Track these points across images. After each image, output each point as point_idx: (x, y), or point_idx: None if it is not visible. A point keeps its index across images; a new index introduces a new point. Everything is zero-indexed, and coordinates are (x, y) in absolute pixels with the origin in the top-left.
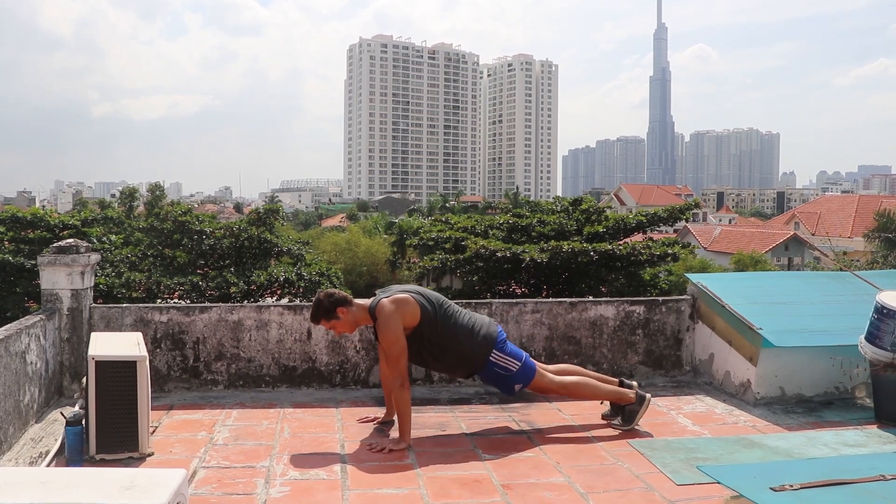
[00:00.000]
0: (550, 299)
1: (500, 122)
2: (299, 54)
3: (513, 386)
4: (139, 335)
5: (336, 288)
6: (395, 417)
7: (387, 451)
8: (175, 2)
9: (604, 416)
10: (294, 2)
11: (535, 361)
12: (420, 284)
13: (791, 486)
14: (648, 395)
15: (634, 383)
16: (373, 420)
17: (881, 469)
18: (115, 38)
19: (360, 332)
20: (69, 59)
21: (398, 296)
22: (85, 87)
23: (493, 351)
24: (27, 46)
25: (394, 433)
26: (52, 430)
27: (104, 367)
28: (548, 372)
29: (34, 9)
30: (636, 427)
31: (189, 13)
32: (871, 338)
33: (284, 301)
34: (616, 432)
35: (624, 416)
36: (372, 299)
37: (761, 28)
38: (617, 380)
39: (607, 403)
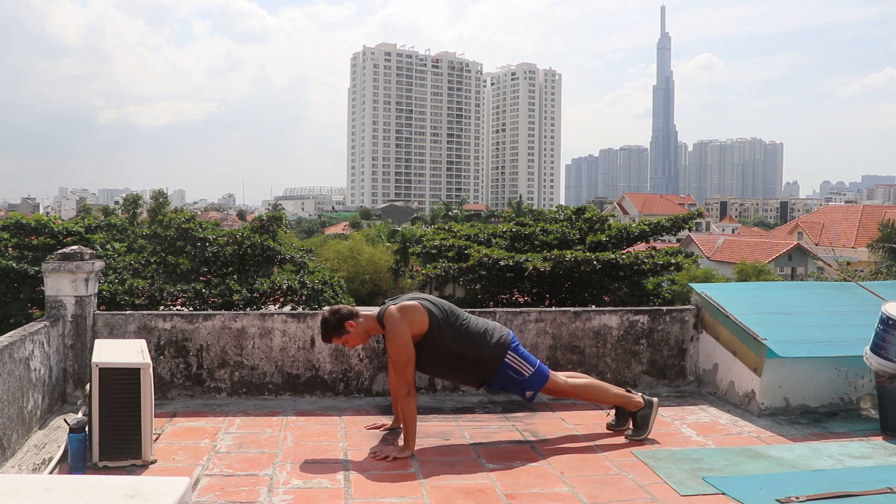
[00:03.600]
0: (554, 308)
1: (504, 130)
2: (306, 62)
3: (524, 391)
4: (143, 342)
5: (339, 296)
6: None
7: (391, 459)
8: (183, 9)
9: (609, 427)
10: (302, 10)
11: (547, 367)
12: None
13: (797, 498)
14: (656, 399)
15: (638, 393)
16: (380, 427)
17: (888, 482)
18: (123, 45)
19: None
20: (76, 66)
21: (406, 303)
22: (91, 94)
23: (508, 352)
24: (35, 53)
25: (399, 441)
26: (55, 436)
27: (108, 374)
28: (559, 375)
29: (43, 15)
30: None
31: (197, 20)
32: (877, 349)
33: (287, 309)
34: (620, 441)
35: (636, 422)
36: (380, 308)
37: (765, 38)
38: (623, 388)
39: (612, 414)
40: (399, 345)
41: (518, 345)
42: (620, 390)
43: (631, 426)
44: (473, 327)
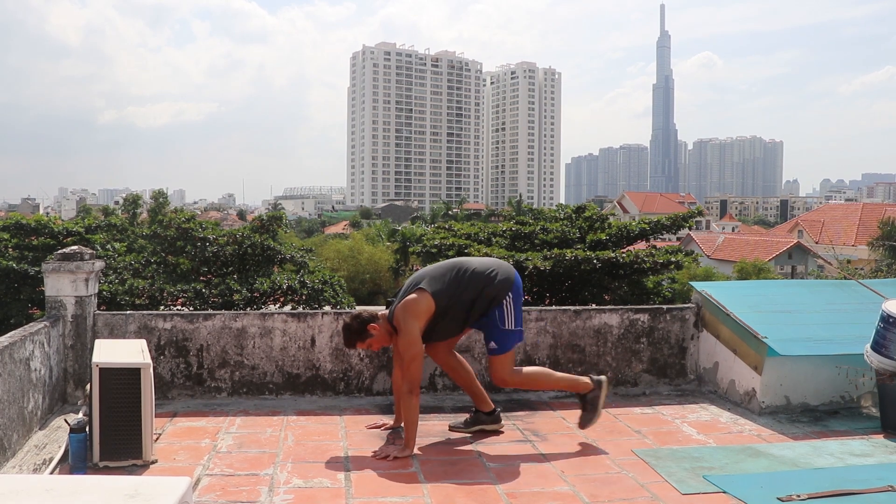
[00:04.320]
0: (554, 307)
1: (504, 129)
2: (305, 62)
3: (491, 340)
4: (143, 342)
5: (339, 295)
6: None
7: (391, 459)
8: (183, 9)
9: (451, 427)
10: (301, 10)
11: (521, 340)
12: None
13: (798, 496)
14: (604, 378)
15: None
16: (381, 427)
17: (889, 479)
18: (123, 46)
19: None
20: (76, 67)
21: (409, 298)
22: (91, 95)
23: (508, 295)
24: (35, 54)
25: (400, 441)
26: (55, 437)
27: (108, 374)
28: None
29: (42, 17)
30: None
31: (197, 21)
32: (877, 347)
33: (287, 308)
34: (621, 440)
35: (586, 405)
36: (389, 309)
37: (765, 36)
38: (587, 377)
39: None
40: (408, 341)
41: (520, 294)
42: (566, 375)
43: (581, 409)
44: (479, 269)
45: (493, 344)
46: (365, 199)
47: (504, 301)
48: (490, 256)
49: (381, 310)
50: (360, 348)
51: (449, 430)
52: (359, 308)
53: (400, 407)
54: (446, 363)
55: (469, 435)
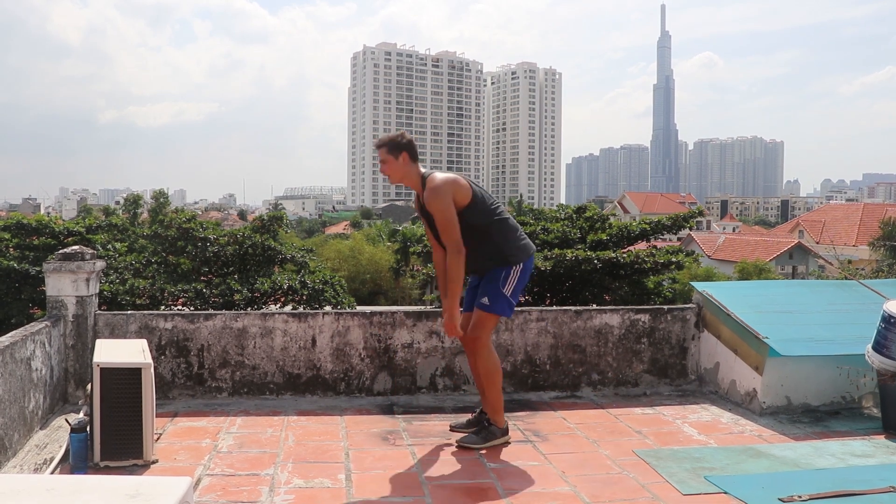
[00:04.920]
0: (555, 307)
1: (504, 129)
2: (306, 62)
3: (484, 297)
4: (144, 342)
5: (340, 295)
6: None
7: (446, 322)
8: (184, 9)
9: (452, 427)
10: (302, 10)
11: (511, 313)
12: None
13: (800, 496)
14: (510, 437)
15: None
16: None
17: (891, 480)
18: (124, 46)
19: (365, 339)
20: (77, 67)
21: (452, 175)
22: (92, 95)
23: (520, 264)
24: (36, 54)
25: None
26: (56, 436)
27: (109, 374)
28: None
29: (44, 16)
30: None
31: (198, 21)
32: (879, 347)
33: (288, 308)
34: (622, 440)
35: (482, 431)
36: (426, 170)
37: (765, 36)
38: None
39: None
40: (441, 205)
41: (529, 269)
42: (501, 402)
43: (474, 430)
44: (510, 221)
45: (485, 299)
46: (365, 199)
47: (513, 267)
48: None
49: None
50: (379, 155)
51: (450, 430)
52: None
53: (443, 280)
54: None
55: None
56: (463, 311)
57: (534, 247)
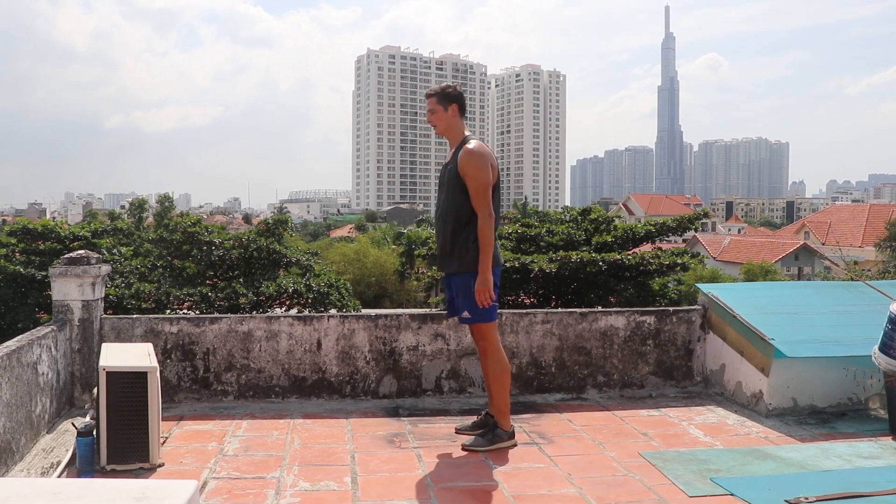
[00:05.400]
0: (560, 310)
1: (509, 132)
2: (311, 66)
3: (463, 311)
4: (149, 346)
5: (345, 298)
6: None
7: (479, 294)
8: (190, 14)
9: (457, 430)
10: (307, 13)
11: (495, 318)
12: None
13: (806, 498)
14: (516, 441)
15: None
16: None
17: None
18: (129, 51)
19: (370, 342)
20: (83, 72)
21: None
22: (97, 100)
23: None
24: (42, 60)
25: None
26: (63, 440)
27: (115, 377)
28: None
29: (50, 22)
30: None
31: (203, 25)
32: (885, 348)
33: (293, 312)
34: (628, 442)
35: (488, 433)
36: (470, 133)
37: (770, 37)
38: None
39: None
40: (482, 168)
41: (498, 275)
42: (508, 405)
43: (480, 433)
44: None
45: (465, 314)
46: (370, 202)
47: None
48: None
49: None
50: (428, 105)
51: (455, 432)
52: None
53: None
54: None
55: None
56: (447, 316)
57: (501, 259)
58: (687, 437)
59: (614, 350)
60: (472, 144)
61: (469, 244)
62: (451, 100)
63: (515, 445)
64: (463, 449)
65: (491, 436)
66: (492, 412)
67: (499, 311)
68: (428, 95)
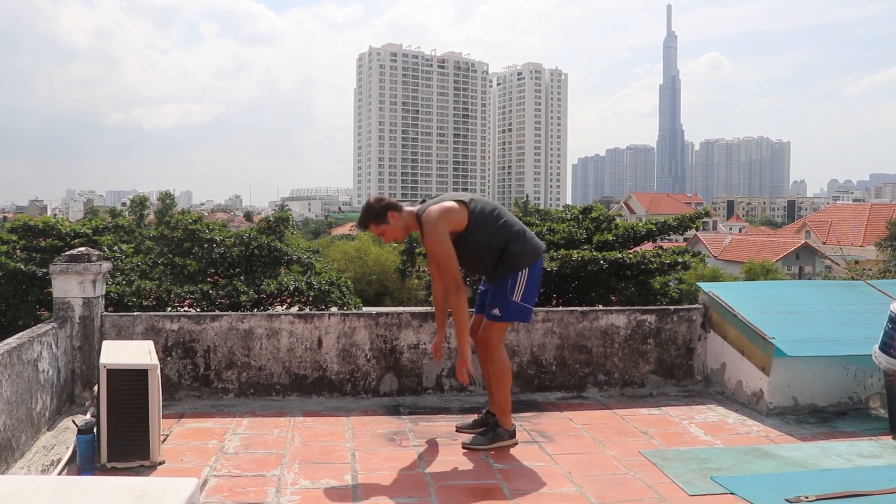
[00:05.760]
0: (561, 308)
1: (510, 130)
2: (313, 63)
3: (494, 308)
4: (150, 343)
5: (346, 296)
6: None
7: (463, 374)
8: (191, 11)
9: (458, 428)
10: (309, 11)
11: (530, 319)
12: (429, 293)
13: (807, 497)
14: (517, 440)
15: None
16: (440, 346)
17: None
18: (131, 48)
19: (371, 340)
20: (84, 70)
21: (445, 203)
22: (99, 97)
23: (525, 269)
24: (44, 57)
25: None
26: (63, 438)
27: (115, 375)
28: (502, 339)
29: (51, 20)
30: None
31: (205, 22)
32: (886, 347)
33: (294, 310)
34: (628, 441)
35: (489, 432)
36: (420, 206)
37: (772, 36)
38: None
39: (474, 425)
40: (437, 243)
41: (539, 271)
42: (509, 405)
43: (481, 431)
44: (514, 225)
45: (496, 311)
46: None
47: (519, 273)
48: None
49: (410, 208)
50: (372, 232)
51: (456, 430)
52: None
53: (442, 319)
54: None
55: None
56: (475, 313)
57: (542, 245)
58: (687, 436)
59: (615, 349)
60: (426, 220)
61: (509, 259)
62: (384, 213)
63: (516, 444)
64: (463, 447)
65: (492, 434)
66: (493, 411)
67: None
68: (365, 227)
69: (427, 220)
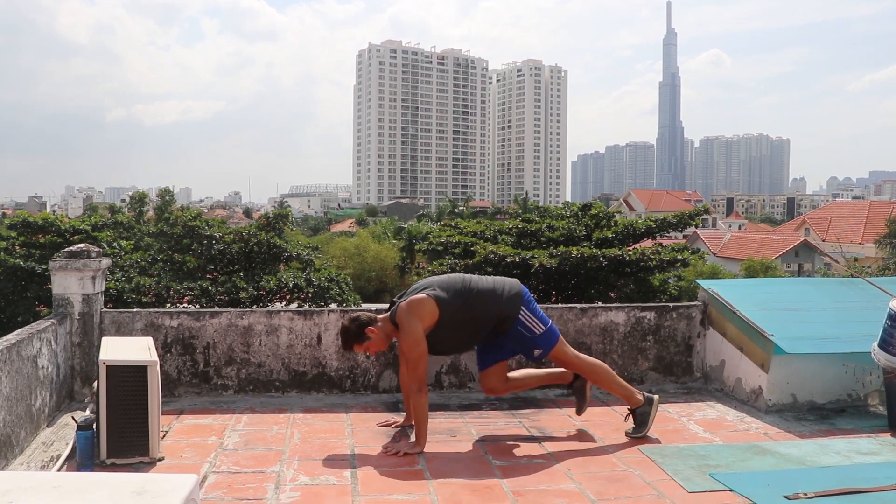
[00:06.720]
0: (561, 305)
1: (510, 127)
2: (313, 60)
3: (533, 350)
4: (150, 340)
5: (345, 293)
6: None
7: (401, 455)
8: (193, 7)
9: (629, 434)
10: (310, 7)
11: (559, 331)
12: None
13: (805, 494)
14: (657, 396)
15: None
16: (391, 425)
17: None
18: (132, 45)
19: None
20: (85, 66)
21: (413, 297)
22: (100, 94)
23: (522, 309)
24: (45, 53)
25: (410, 438)
26: (63, 434)
27: (115, 371)
28: (570, 348)
29: (52, 15)
30: (648, 434)
31: (206, 19)
32: (885, 345)
33: (294, 306)
34: (627, 437)
35: (635, 419)
36: (391, 310)
37: (772, 34)
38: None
39: (630, 421)
40: (411, 341)
41: (531, 299)
42: (625, 384)
43: (631, 422)
44: (484, 288)
45: (536, 352)
46: (371, 196)
47: (521, 315)
48: (491, 276)
49: (382, 308)
50: (357, 351)
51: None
52: (357, 310)
53: (409, 405)
54: (503, 389)
55: (475, 432)
56: (483, 369)
57: (515, 282)
58: (686, 433)
59: (614, 346)
60: (399, 319)
61: (506, 312)
62: (362, 332)
63: (659, 402)
64: (627, 435)
65: (639, 418)
66: (628, 405)
67: None
68: (350, 349)
69: (400, 319)
